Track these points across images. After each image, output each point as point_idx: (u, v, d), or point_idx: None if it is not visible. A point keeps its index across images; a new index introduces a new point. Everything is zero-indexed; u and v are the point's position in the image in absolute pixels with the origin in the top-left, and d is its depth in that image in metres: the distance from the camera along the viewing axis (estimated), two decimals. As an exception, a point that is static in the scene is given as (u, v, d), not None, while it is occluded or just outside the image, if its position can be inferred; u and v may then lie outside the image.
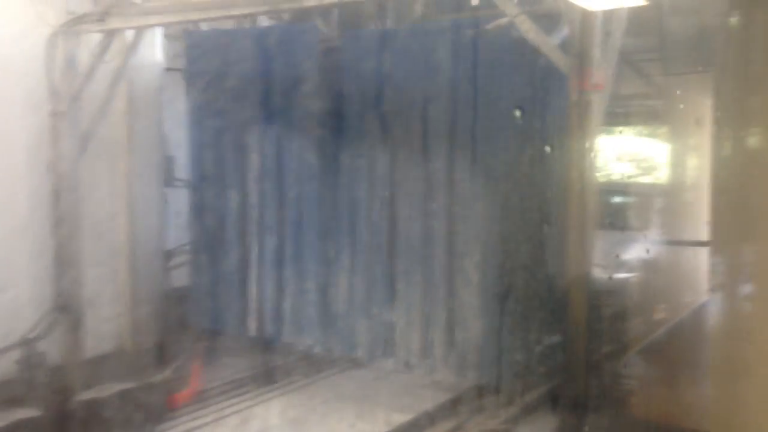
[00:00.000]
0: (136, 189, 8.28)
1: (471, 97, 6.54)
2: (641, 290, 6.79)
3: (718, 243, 2.88)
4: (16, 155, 7.19)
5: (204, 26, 7.81)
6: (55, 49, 6.92)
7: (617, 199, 9.03)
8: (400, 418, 6.92)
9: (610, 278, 7.13)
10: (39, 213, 7.29)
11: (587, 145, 5.75)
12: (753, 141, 2.45)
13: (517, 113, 6.31)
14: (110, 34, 7.04)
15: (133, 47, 7.38)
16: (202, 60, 7.64)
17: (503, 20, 5.81)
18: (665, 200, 8.99)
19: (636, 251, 7.51)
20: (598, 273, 6.01)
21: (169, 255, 8.96)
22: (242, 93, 7.45)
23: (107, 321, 8.10)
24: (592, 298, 5.71)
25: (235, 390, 7.55)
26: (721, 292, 2.81)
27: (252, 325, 7.48)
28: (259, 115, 7.39)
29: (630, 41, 7.60)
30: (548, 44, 5.82)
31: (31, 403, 6.69)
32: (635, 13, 5.92)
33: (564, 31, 5.89)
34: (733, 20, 2.81)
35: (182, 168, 8.60)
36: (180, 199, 8.53)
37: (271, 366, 8.03)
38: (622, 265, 7.13)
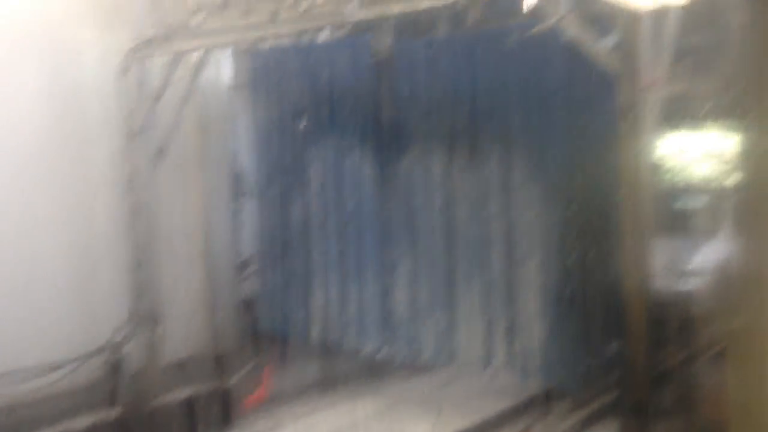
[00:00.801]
0: (208, 202, 8.67)
1: (526, 101, 6.52)
2: (711, 298, 6.53)
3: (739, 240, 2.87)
4: (97, 174, 7.68)
5: (266, 44, 8.09)
6: (127, 72, 7.34)
7: (694, 202, 8.69)
8: (465, 422, 6.97)
9: (679, 287, 6.88)
10: (119, 227, 7.74)
11: (642, 146, 5.66)
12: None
13: None
14: (177, 56, 7.41)
15: (200, 67, 7.72)
16: (263, 77, 7.91)
17: (549, 23, 5.78)
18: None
19: (708, 258, 7.21)
20: (662, 281, 5.86)
21: (242, 265, 9.31)
22: (301, 107, 7.68)
23: (185, 328, 8.49)
24: (653, 304, 5.58)
25: (302, 394, 7.77)
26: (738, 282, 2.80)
27: (317, 332, 7.67)
28: (319, 128, 7.59)
29: (695, 38, 7.39)
30: (597, 45, 5.76)
31: (113, 404, 7.12)
32: (696, 8, 5.78)
33: (615, 32, 5.82)
34: (742, 20, 2.79)
35: (251, 182, 8.93)
36: (251, 211, 8.84)
37: (337, 371, 8.23)
38: (689, 273, 6.87)
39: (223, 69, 8.67)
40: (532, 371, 6.55)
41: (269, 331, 8.13)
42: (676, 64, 5.86)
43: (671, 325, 5.97)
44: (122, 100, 7.40)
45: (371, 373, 8.23)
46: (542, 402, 7.23)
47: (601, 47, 5.76)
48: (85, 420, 6.72)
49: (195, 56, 7.69)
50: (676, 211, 8.40)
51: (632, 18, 5.50)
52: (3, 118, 6.84)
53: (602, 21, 5.94)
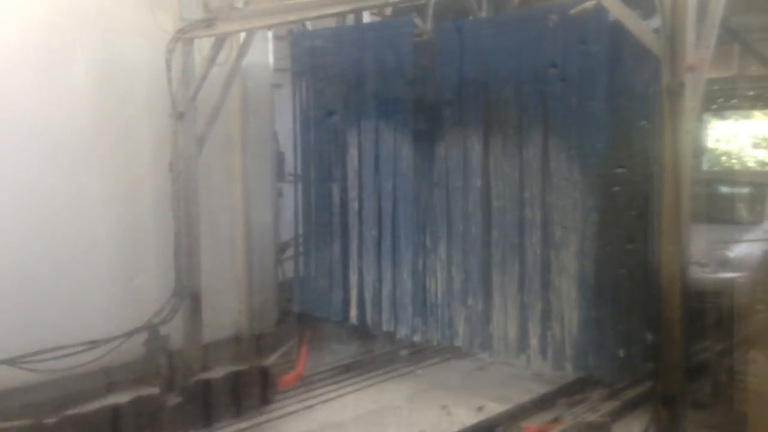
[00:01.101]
0: (250, 184, 8.79)
1: (565, 84, 6.41)
2: (752, 288, 6.30)
3: None
4: (142, 155, 7.85)
5: (310, 26, 8.13)
6: (172, 54, 7.44)
7: (736, 189, 8.38)
8: (497, 407, 6.92)
9: (719, 276, 6.64)
10: (162, 207, 7.87)
11: (684, 130, 5.49)
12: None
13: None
14: (221, 38, 7.51)
15: (243, 49, 7.81)
16: (304, 59, 7.96)
17: (590, 3, 5.66)
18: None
19: (750, 246, 6.95)
20: (699, 270, 5.67)
21: (282, 247, 9.42)
22: (341, 89, 7.70)
23: (225, 309, 8.64)
24: (690, 293, 5.43)
25: (337, 376, 7.83)
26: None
27: (354, 315, 7.70)
28: (357, 110, 7.60)
29: (746, 20, 7.15)
30: (639, 25, 5.60)
31: (153, 381, 7.28)
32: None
33: (660, 12, 5.65)
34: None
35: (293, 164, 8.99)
36: (293, 194, 8.92)
37: (372, 354, 8.26)
38: (730, 262, 6.62)
39: (266, 51, 8.75)
40: (565, 359, 6.46)
41: (307, 312, 8.20)
42: (722, 46, 5.67)
43: (709, 316, 5.79)
44: (167, 81, 7.52)
45: (406, 356, 8.24)
46: (575, 390, 7.13)
47: (646, 27, 5.60)
48: (127, 396, 6.88)
49: (239, 38, 7.80)
50: (717, 198, 8.14)
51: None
52: (56, 102, 7.04)
53: (647, 0, 5.78)
